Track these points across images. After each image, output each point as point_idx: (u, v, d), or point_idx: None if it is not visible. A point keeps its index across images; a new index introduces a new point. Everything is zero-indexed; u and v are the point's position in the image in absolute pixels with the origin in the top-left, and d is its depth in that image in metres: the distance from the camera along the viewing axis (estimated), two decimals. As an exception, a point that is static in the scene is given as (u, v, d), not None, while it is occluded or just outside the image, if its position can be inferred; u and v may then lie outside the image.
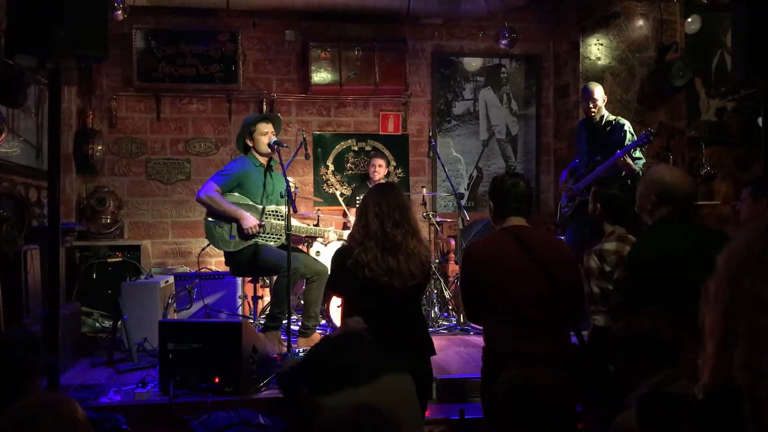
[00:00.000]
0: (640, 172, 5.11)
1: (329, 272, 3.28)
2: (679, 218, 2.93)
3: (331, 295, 5.49)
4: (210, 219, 4.77)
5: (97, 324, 5.42)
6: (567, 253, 2.96)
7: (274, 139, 4.78)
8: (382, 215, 3.01)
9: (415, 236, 3.06)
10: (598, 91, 5.37)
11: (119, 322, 4.56)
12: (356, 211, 3.26)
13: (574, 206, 5.42)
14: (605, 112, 5.42)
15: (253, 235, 4.72)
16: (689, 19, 6.95)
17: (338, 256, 3.15)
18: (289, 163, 5.61)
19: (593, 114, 5.36)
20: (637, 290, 2.85)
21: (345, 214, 6.24)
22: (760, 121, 5.20)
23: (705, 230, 3.16)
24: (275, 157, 4.77)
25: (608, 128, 5.34)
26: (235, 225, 4.72)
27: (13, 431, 1.65)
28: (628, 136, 5.20)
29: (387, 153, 7.28)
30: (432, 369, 3.21)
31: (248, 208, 4.77)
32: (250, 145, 4.88)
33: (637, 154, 5.06)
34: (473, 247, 2.96)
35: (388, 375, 2.39)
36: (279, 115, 5.62)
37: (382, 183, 3.28)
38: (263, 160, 4.90)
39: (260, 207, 4.82)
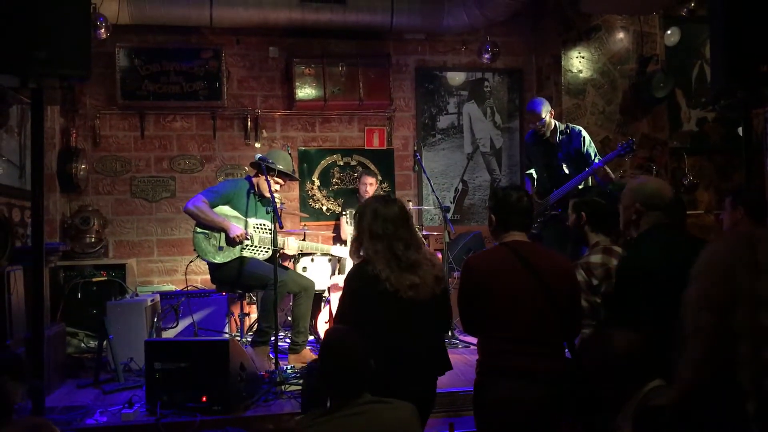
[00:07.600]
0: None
1: (346, 286, 2.97)
2: (666, 227, 2.84)
3: (319, 310, 5.47)
4: (199, 230, 4.77)
5: (83, 344, 5.36)
6: (567, 269, 2.91)
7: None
8: (389, 238, 2.85)
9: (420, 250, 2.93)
10: (545, 109, 5.32)
11: (105, 342, 4.52)
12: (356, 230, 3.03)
13: (543, 222, 5.39)
14: (554, 123, 5.40)
15: (241, 243, 4.73)
16: (668, 32, 7.06)
17: (357, 270, 2.96)
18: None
19: (543, 132, 5.38)
20: (622, 304, 2.84)
21: (335, 229, 6.25)
22: (740, 130, 5.26)
23: (694, 240, 2.96)
24: (262, 180, 4.78)
25: (563, 136, 5.35)
26: (223, 236, 4.74)
27: None
28: (587, 141, 5.25)
29: (372, 167, 7.29)
30: (436, 386, 3.04)
31: (235, 220, 4.81)
32: (259, 179, 4.88)
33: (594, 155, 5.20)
34: (473, 260, 2.91)
35: (385, 405, 2.37)
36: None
37: (378, 198, 3.08)
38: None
39: (246, 220, 4.84)
